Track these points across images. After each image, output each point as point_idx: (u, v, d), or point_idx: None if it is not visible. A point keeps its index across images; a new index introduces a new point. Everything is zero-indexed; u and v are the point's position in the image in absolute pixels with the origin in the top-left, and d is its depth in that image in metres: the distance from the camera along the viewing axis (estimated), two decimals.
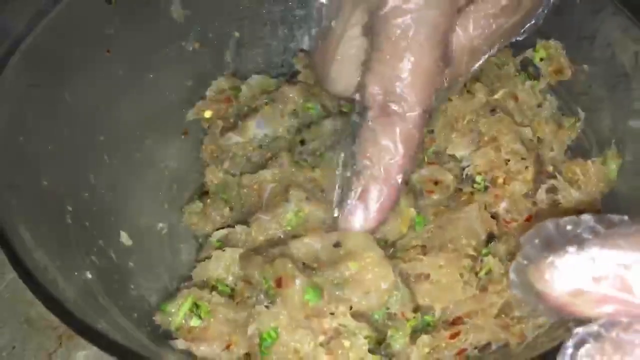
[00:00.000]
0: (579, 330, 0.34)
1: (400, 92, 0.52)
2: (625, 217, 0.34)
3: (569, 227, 0.34)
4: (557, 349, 0.34)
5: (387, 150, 0.54)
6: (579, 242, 0.33)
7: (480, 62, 0.57)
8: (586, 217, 0.34)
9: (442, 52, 0.53)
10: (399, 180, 0.55)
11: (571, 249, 0.33)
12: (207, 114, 0.78)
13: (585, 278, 0.33)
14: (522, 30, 0.58)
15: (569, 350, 0.34)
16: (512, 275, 0.36)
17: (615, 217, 0.34)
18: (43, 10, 0.64)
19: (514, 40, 0.56)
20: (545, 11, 0.58)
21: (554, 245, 0.34)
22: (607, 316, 0.34)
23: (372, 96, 0.54)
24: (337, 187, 0.61)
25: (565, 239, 0.34)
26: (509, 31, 0.56)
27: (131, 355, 0.45)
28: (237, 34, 0.81)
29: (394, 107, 0.53)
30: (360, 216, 0.57)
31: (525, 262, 0.35)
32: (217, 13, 0.78)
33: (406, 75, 0.52)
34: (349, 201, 0.57)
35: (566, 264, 0.33)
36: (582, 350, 0.33)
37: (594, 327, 0.34)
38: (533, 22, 0.58)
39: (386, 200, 0.56)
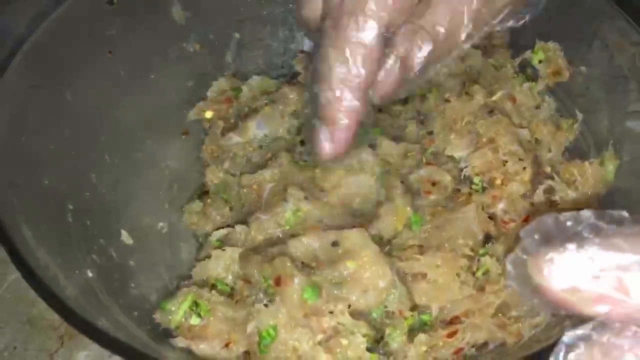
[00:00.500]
0: (571, 333, 0.34)
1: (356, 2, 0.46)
2: (625, 213, 0.34)
3: (569, 223, 0.34)
4: (552, 347, 0.35)
5: (339, 67, 0.48)
6: (579, 240, 0.33)
7: (481, 33, 0.52)
8: (586, 213, 0.34)
9: None
10: (356, 103, 0.49)
11: (571, 246, 0.33)
12: (208, 114, 0.79)
13: (583, 276, 0.33)
14: (522, 15, 0.53)
15: (561, 354, 0.34)
16: (509, 267, 0.37)
17: (615, 213, 0.34)
18: (44, 11, 0.64)
19: (517, 24, 0.53)
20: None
21: (553, 240, 0.34)
22: (602, 316, 0.34)
23: (329, 3, 0.48)
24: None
25: (565, 235, 0.34)
26: (513, 5, 0.52)
27: (132, 353, 0.45)
28: (237, 35, 0.81)
29: (348, 20, 0.47)
30: (324, 145, 0.51)
31: (523, 255, 0.35)
32: (217, 14, 0.79)
33: None
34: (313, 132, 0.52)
35: (565, 261, 0.33)
36: (572, 355, 0.34)
37: (585, 330, 0.34)
38: (533, 7, 0.54)
39: (343, 126, 0.50)
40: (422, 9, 0.49)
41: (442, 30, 0.49)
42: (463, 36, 0.51)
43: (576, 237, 0.34)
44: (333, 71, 0.48)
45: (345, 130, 0.50)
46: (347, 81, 0.48)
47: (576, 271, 0.33)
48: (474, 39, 0.52)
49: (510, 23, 0.52)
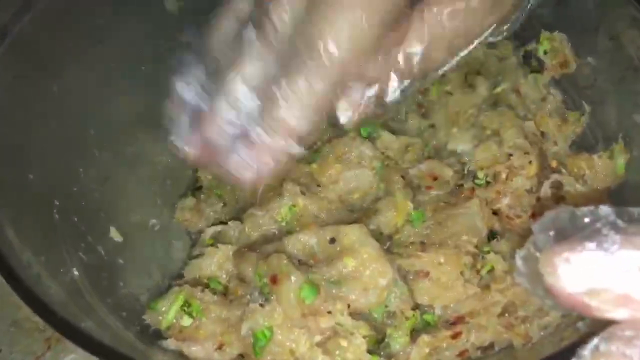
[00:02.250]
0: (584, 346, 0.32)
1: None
2: None
3: (586, 219, 0.32)
4: (564, 352, 0.32)
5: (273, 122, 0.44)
6: (598, 238, 0.31)
7: (456, 58, 0.49)
8: (605, 210, 0.32)
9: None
10: (295, 149, 0.46)
11: (590, 245, 0.31)
12: None
13: (603, 278, 0.31)
14: (501, 29, 0.52)
15: None
16: (519, 263, 0.35)
17: (635, 211, 0.32)
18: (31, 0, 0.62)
19: (491, 39, 0.50)
20: (523, 15, 0.53)
21: (568, 237, 0.32)
22: (620, 321, 0.32)
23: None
24: None
25: (581, 232, 0.32)
26: (485, 29, 0.49)
27: (117, 357, 0.43)
28: None
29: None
30: (244, 174, 0.47)
31: (536, 252, 0.33)
32: (212, 4, 0.77)
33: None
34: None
35: (583, 262, 0.31)
36: None
37: (594, 341, 0.32)
38: (509, 25, 0.51)
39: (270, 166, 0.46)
40: (399, 37, 0.45)
41: (415, 61, 0.46)
42: (440, 61, 0.48)
43: (595, 235, 0.31)
44: (269, 120, 0.44)
45: (272, 168, 0.47)
46: (284, 131, 0.44)
47: (595, 272, 0.31)
48: (450, 63, 0.49)
49: (491, 39, 0.50)
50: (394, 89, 0.47)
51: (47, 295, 0.46)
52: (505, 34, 0.51)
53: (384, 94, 0.48)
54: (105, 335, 0.49)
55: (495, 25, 0.48)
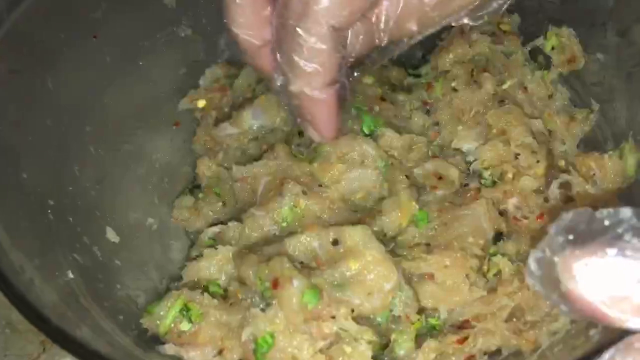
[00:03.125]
0: None
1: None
2: None
3: (607, 222, 0.31)
4: None
5: (297, 70, 0.49)
6: (620, 244, 0.30)
7: (429, 31, 0.52)
8: (626, 213, 0.30)
9: None
10: (323, 96, 0.50)
11: (611, 252, 0.29)
12: (201, 103, 0.75)
13: (623, 286, 0.30)
14: (481, 14, 0.52)
15: None
16: (532, 266, 0.33)
17: None
18: None
19: (471, 23, 0.51)
20: (506, 3, 0.53)
21: (588, 241, 0.30)
22: (637, 331, 0.31)
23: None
24: None
25: (602, 237, 0.30)
26: (464, 8, 0.51)
27: None
28: None
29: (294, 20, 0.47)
30: (314, 136, 0.54)
31: (553, 255, 0.32)
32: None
33: None
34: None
35: (603, 269, 0.30)
36: None
37: (609, 352, 0.31)
38: (493, 8, 0.53)
39: (321, 118, 0.52)
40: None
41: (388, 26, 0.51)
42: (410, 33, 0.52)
43: (616, 241, 0.30)
44: (293, 75, 0.49)
45: (325, 119, 0.52)
46: (308, 82, 0.49)
47: (615, 280, 0.30)
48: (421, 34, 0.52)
49: (466, 21, 0.52)
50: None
51: (41, 301, 0.45)
52: (485, 18, 0.51)
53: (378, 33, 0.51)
54: (101, 341, 0.47)
55: (472, 7, 0.50)
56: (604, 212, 0.32)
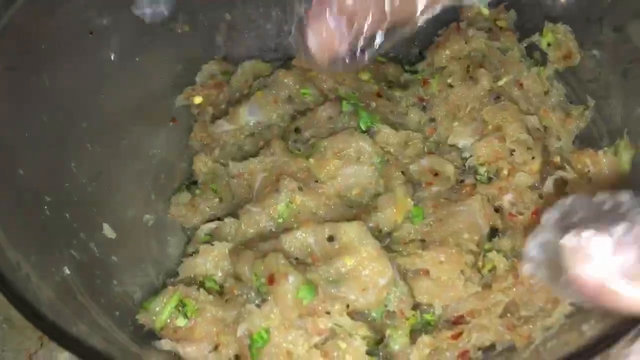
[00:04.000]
0: None
1: None
2: None
3: (607, 206, 0.31)
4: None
5: None
6: (626, 224, 0.30)
7: (437, 11, 0.51)
8: (625, 196, 0.31)
9: None
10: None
11: (617, 230, 0.30)
12: (197, 99, 0.75)
13: (634, 264, 0.30)
14: None
15: None
16: (532, 251, 0.33)
17: None
18: None
19: (466, 2, 0.52)
20: None
21: (592, 223, 0.31)
22: None
23: None
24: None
25: (606, 218, 0.31)
26: None
27: None
28: (228, 16, 0.77)
29: None
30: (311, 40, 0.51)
31: (556, 239, 0.32)
32: None
33: None
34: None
35: (613, 248, 0.30)
36: None
37: None
38: None
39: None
40: None
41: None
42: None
43: (621, 221, 0.30)
44: None
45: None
46: None
47: (625, 258, 0.30)
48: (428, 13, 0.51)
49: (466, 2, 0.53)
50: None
51: (38, 297, 0.45)
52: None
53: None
54: (98, 337, 0.48)
55: None
56: (603, 197, 0.32)
